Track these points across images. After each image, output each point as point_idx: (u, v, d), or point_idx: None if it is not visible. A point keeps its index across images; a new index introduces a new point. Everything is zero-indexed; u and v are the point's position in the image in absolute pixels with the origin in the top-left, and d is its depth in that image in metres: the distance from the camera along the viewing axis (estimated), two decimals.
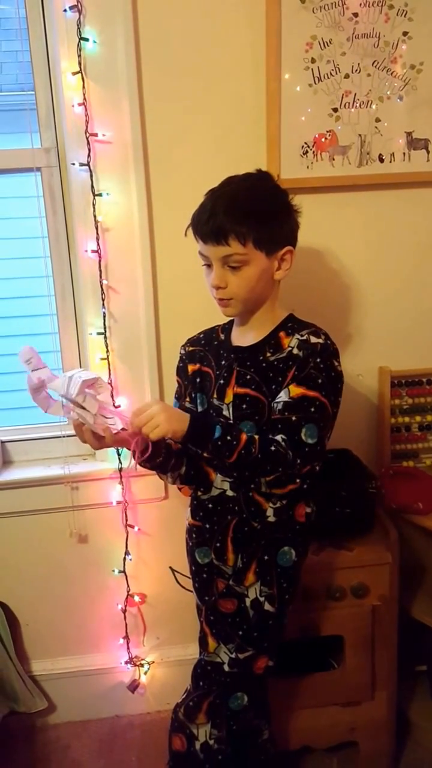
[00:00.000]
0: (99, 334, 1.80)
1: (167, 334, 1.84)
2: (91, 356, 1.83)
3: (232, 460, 1.25)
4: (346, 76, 1.72)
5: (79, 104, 1.66)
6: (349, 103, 1.74)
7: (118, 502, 1.88)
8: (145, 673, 2.01)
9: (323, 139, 1.74)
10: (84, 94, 1.66)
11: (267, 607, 1.42)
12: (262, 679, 1.50)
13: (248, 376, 1.39)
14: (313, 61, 1.70)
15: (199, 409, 1.47)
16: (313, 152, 1.75)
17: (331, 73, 1.72)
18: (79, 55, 1.64)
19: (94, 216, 1.72)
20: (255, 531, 1.40)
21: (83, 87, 1.65)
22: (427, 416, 1.91)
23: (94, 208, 1.71)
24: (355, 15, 1.69)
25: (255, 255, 1.32)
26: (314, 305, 1.85)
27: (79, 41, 1.63)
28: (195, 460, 1.43)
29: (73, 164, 1.71)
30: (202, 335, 1.54)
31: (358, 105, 1.74)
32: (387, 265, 1.88)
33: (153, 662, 2.03)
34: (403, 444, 1.92)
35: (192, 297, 1.79)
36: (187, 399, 1.50)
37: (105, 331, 1.79)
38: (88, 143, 1.68)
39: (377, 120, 1.75)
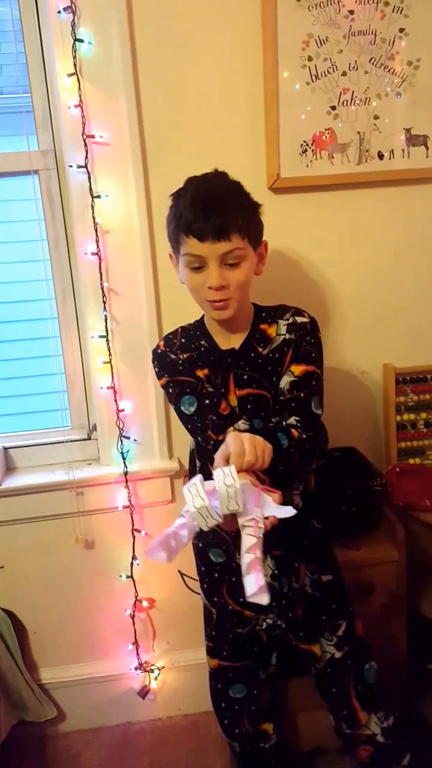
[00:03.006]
0: (101, 337, 1.78)
1: None
2: (93, 360, 1.82)
3: (296, 462, 1.24)
4: (344, 74, 1.72)
5: (76, 106, 1.65)
6: (347, 101, 1.73)
7: (125, 507, 1.87)
8: (156, 678, 2.00)
9: (323, 138, 1.74)
10: (80, 96, 1.65)
11: (324, 578, 1.47)
12: (366, 641, 1.52)
13: (245, 377, 1.39)
14: (309, 59, 1.70)
15: (192, 410, 1.41)
16: (313, 150, 1.75)
17: (328, 71, 1.71)
18: (75, 57, 1.62)
19: (93, 218, 1.71)
20: (281, 522, 1.40)
21: (79, 89, 1.64)
22: None
23: (93, 210, 1.70)
24: (351, 12, 1.68)
25: (249, 250, 1.31)
26: (317, 302, 1.85)
27: (74, 42, 1.61)
28: None
29: (71, 166, 1.69)
30: (183, 340, 1.46)
31: (356, 102, 1.73)
32: (388, 261, 1.87)
33: (163, 667, 2.01)
34: (409, 441, 1.91)
35: None
36: (207, 387, 1.41)
37: (107, 334, 1.78)
38: (86, 145, 1.67)
39: (376, 117, 1.75)
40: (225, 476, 1.02)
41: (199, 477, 1.05)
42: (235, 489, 1.01)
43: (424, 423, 1.91)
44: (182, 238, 1.29)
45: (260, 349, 1.39)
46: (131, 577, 1.91)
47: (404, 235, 1.86)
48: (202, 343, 1.44)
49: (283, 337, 1.38)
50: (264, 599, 1.01)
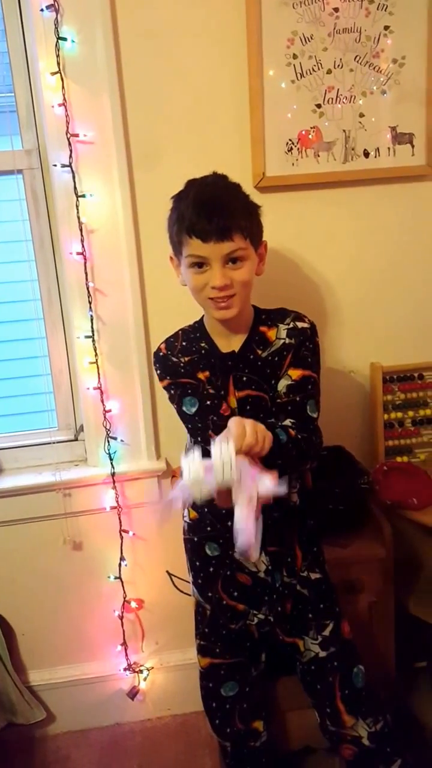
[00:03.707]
0: (87, 337, 1.77)
1: (157, 336, 1.81)
2: (79, 360, 1.81)
3: (294, 458, 1.28)
4: (329, 72, 1.71)
5: (60, 105, 1.64)
6: (332, 99, 1.73)
7: (112, 508, 1.86)
8: (145, 679, 1.99)
9: (309, 136, 1.73)
10: (64, 95, 1.63)
11: (313, 576, 1.48)
12: (353, 643, 1.51)
13: (244, 378, 1.40)
14: (294, 57, 1.69)
15: (193, 410, 1.42)
16: (298, 149, 1.74)
17: (313, 69, 1.71)
18: (58, 55, 1.61)
19: (78, 218, 1.70)
20: (278, 520, 1.42)
21: (63, 87, 1.63)
22: (419, 411, 1.91)
23: (77, 209, 1.69)
24: (336, 10, 1.68)
25: (250, 250, 1.34)
26: (304, 302, 1.84)
27: (57, 41, 1.60)
28: None
29: (55, 165, 1.68)
30: (184, 343, 1.47)
31: (341, 100, 1.73)
32: (375, 259, 1.87)
33: (152, 668, 2.00)
34: (397, 439, 1.91)
35: (181, 296, 1.76)
36: (208, 388, 1.42)
37: (93, 335, 1.77)
38: (70, 144, 1.66)
39: (361, 115, 1.74)
40: (221, 448, 1.05)
41: (197, 451, 1.07)
42: (230, 460, 1.04)
43: (412, 421, 1.91)
44: (185, 239, 1.31)
45: (259, 352, 1.41)
46: (119, 578, 1.91)
47: (390, 234, 1.85)
48: (203, 345, 1.46)
49: (283, 341, 1.40)
50: (253, 555, 1.06)
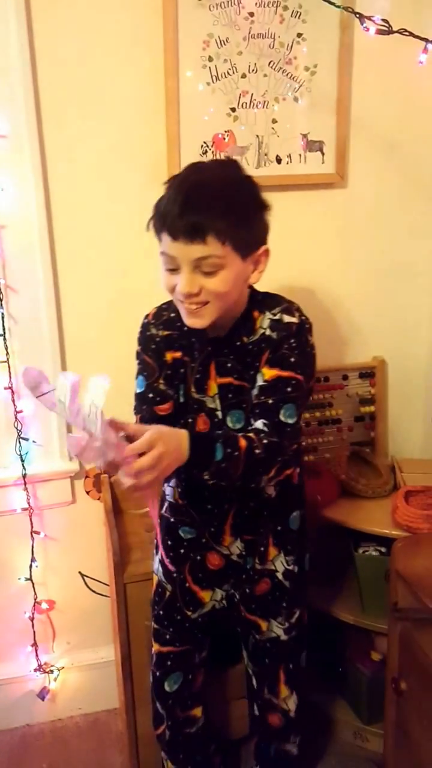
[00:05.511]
0: None
1: (72, 334, 1.80)
2: None
3: (239, 474, 1.16)
4: (243, 76, 1.73)
5: None
6: (246, 103, 1.74)
7: (23, 509, 1.83)
8: (55, 679, 1.98)
9: (224, 140, 1.75)
10: None
11: (296, 569, 1.45)
12: (307, 627, 1.53)
13: (228, 364, 1.30)
14: (210, 59, 1.69)
15: (138, 391, 1.36)
16: (213, 152, 1.75)
17: (228, 73, 1.72)
18: None
19: None
20: (255, 510, 1.38)
21: None
22: (325, 412, 1.98)
23: None
24: (251, 14, 1.69)
25: (231, 258, 1.16)
26: None
27: None
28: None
29: None
30: (173, 314, 1.31)
31: (255, 105, 1.75)
32: (285, 266, 1.89)
33: (63, 668, 1.99)
34: (303, 438, 1.96)
35: (97, 294, 1.76)
36: (161, 381, 1.33)
37: (4, 333, 1.73)
38: None
39: (274, 121, 1.77)
40: (93, 399, 0.97)
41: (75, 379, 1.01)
42: (96, 417, 0.97)
43: (318, 421, 1.97)
44: (159, 232, 1.18)
45: (245, 339, 1.28)
46: (30, 579, 1.88)
47: (298, 240, 1.88)
48: None
49: (263, 332, 1.27)
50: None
